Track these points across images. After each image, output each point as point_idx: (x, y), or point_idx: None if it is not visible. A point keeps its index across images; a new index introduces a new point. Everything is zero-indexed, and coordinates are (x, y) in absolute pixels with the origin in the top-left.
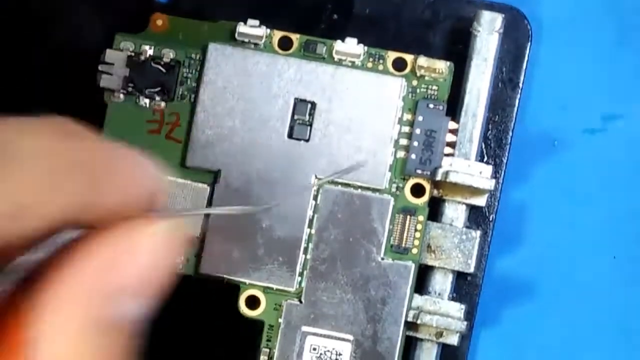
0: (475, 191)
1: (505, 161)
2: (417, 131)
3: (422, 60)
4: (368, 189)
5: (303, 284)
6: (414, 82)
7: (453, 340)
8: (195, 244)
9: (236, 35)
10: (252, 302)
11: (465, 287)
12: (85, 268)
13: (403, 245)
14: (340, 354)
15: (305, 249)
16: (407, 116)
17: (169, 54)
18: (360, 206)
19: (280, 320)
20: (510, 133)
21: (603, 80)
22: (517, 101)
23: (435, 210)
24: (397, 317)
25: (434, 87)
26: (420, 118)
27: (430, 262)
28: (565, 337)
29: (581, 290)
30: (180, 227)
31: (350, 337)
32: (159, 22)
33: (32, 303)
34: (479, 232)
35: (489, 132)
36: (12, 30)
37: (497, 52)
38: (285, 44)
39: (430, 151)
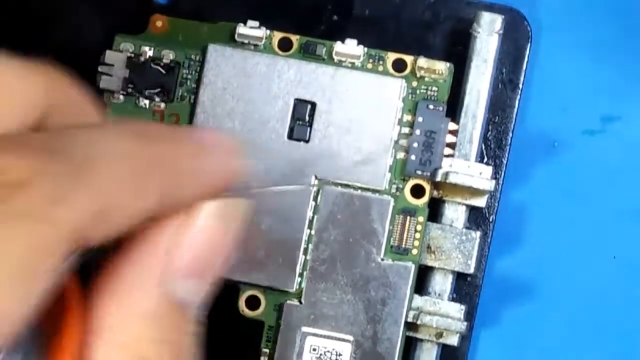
0: (475, 192)
1: (505, 162)
2: (417, 132)
3: (422, 62)
4: (368, 189)
5: (303, 285)
6: (414, 83)
7: (453, 340)
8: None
9: (236, 36)
10: (252, 303)
11: (465, 287)
12: (148, 254)
13: (403, 246)
14: (340, 355)
15: (305, 250)
16: (407, 117)
17: (168, 55)
18: (360, 207)
19: (280, 320)
20: (510, 134)
21: (603, 81)
22: (516, 102)
23: (435, 211)
24: (397, 318)
25: (434, 88)
26: (420, 119)
27: (430, 263)
28: (565, 337)
29: (581, 290)
30: (236, 207)
31: (350, 338)
32: (159, 24)
33: (99, 291)
34: (478, 233)
35: (489, 133)
36: (12, 30)
37: (497, 53)
38: (285, 45)
39: (430, 152)
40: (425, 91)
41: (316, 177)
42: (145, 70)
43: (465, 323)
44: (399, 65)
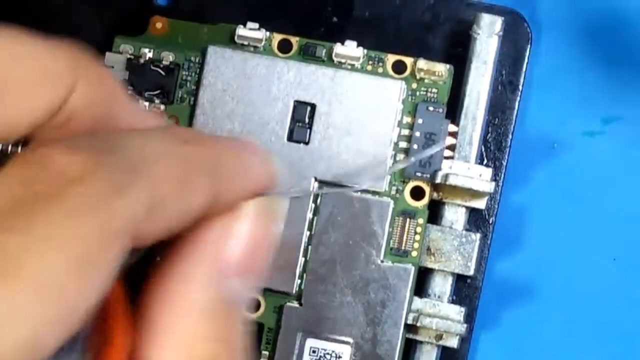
0: (475, 194)
1: (505, 164)
2: (417, 134)
3: (422, 63)
4: (368, 191)
5: (303, 287)
6: (414, 85)
7: (453, 342)
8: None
9: (236, 38)
10: (252, 305)
11: (465, 289)
12: (200, 253)
13: (403, 248)
14: (339, 357)
15: (305, 252)
16: (407, 119)
17: (168, 57)
18: (360, 209)
19: (280, 323)
20: (510, 136)
21: (602, 82)
22: (516, 104)
23: (435, 213)
24: (396, 320)
25: (434, 90)
26: (420, 121)
27: (429, 265)
28: (565, 339)
29: (581, 292)
30: (276, 205)
31: (350, 340)
32: (159, 25)
33: (150, 292)
34: (478, 235)
35: (489, 134)
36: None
37: (497, 54)
38: (284, 46)
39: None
40: (425, 93)
41: (316, 179)
42: (145, 71)
43: (465, 325)
44: (399, 67)
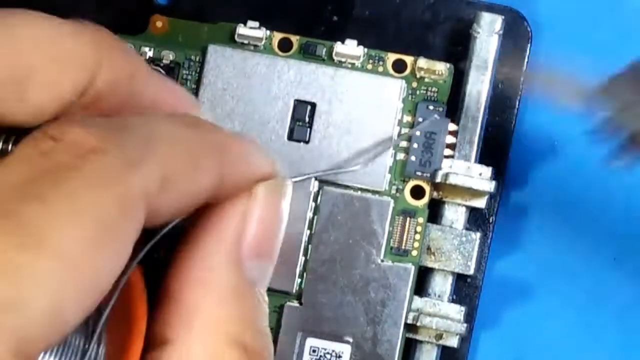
0: (475, 193)
1: (505, 163)
2: (417, 133)
3: (422, 62)
4: (368, 190)
5: (303, 286)
6: (414, 84)
7: (453, 342)
8: None
9: (236, 36)
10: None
11: (465, 289)
12: (220, 238)
13: (403, 247)
14: (339, 356)
15: (305, 251)
16: (407, 118)
17: (168, 56)
18: (360, 208)
19: (280, 322)
20: (510, 135)
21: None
22: (516, 102)
23: (435, 212)
24: (396, 319)
25: (434, 89)
26: (420, 120)
27: (430, 264)
28: (565, 338)
29: (581, 292)
30: (285, 186)
31: (350, 339)
32: (159, 24)
33: (174, 279)
34: (478, 234)
35: (489, 133)
36: None
37: (497, 53)
38: (285, 45)
39: (430, 153)
40: (425, 92)
41: (316, 178)
42: None
43: (465, 324)
44: (399, 66)
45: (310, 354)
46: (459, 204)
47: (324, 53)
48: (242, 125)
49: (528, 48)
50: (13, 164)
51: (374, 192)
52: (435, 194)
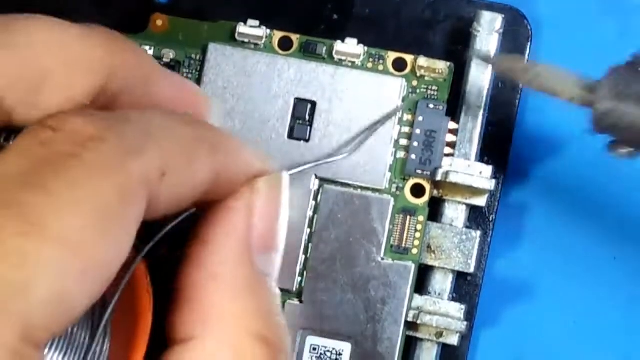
0: (475, 191)
1: (505, 161)
2: (417, 131)
3: (422, 61)
4: (368, 189)
5: (303, 284)
6: (414, 83)
7: (453, 340)
8: None
9: (236, 35)
10: None
11: (465, 287)
12: (229, 233)
13: (403, 245)
14: (340, 354)
15: (306, 249)
16: (407, 116)
17: (169, 54)
18: (360, 206)
19: None
20: (510, 133)
21: None
22: (517, 101)
23: (435, 211)
24: (397, 317)
25: (434, 88)
26: (420, 118)
27: (430, 263)
28: (565, 337)
29: (581, 290)
30: (283, 180)
31: (350, 338)
32: (159, 23)
33: (186, 275)
34: (479, 232)
35: (489, 132)
36: None
37: (497, 52)
38: (285, 44)
39: (430, 151)
40: (425, 90)
41: (316, 177)
42: None
43: (465, 322)
44: (399, 65)
45: (310, 352)
46: (459, 202)
47: (324, 52)
48: (243, 124)
49: (528, 47)
50: (13, 155)
51: (374, 190)
52: (435, 192)
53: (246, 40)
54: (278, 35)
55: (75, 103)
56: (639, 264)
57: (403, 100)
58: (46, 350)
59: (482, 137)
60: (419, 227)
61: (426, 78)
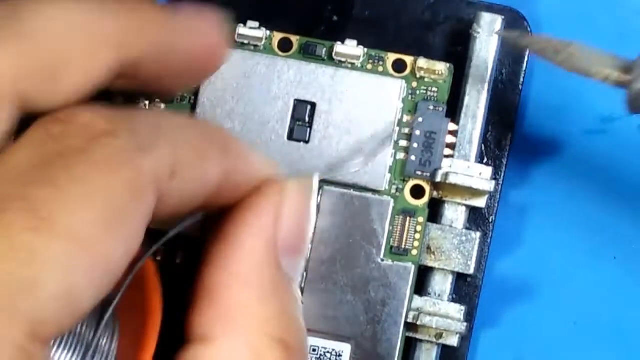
0: (475, 192)
1: (505, 162)
2: (417, 132)
3: (422, 62)
4: (368, 190)
5: (303, 285)
6: (414, 84)
7: (453, 341)
8: None
9: (236, 36)
10: None
11: (465, 288)
12: (253, 235)
13: (403, 246)
14: (340, 355)
15: None
16: (407, 118)
17: None
18: (359, 207)
19: None
20: (510, 134)
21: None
22: (516, 102)
23: (435, 212)
24: (397, 319)
25: (434, 89)
26: (420, 119)
27: (430, 264)
28: (565, 338)
29: (581, 291)
30: (311, 184)
31: (350, 339)
32: None
33: (208, 279)
34: (478, 234)
35: (489, 133)
36: None
37: (497, 53)
38: (285, 45)
39: (430, 153)
40: (425, 92)
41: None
42: None
43: (465, 324)
44: (399, 66)
45: (310, 353)
46: (459, 204)
47: (324, 53)
48: (242, 125)
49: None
50: (23, 148)
51: (374, 191)
52: (435, 193)
53: (246, 41)
54: (278, 36)
55: (96, 83)
56: (639, 264)
57: (403, 102)
58: (54, 348)
59: (482, 139)
60: (419, 228)
61: (426, 79)
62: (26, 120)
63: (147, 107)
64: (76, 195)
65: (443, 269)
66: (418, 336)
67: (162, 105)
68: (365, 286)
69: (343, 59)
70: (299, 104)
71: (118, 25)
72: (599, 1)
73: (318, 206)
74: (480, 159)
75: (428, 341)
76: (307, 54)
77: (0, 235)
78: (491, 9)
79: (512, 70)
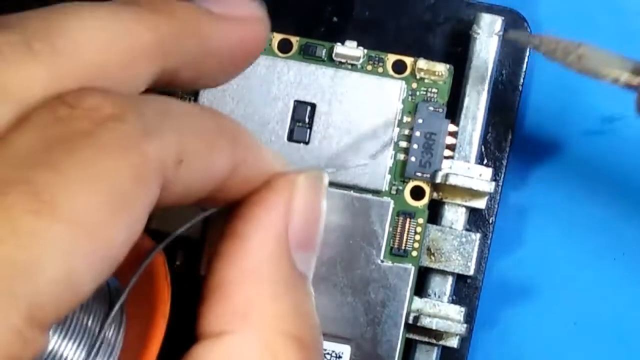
0: (475, 194)
1: (504, 163)
2: (417, 134)
3: (422, 63)
4: (368, 191)
5: None
6: (414, 85)
7: (453, 342)
8: None
9: None
10: None
11: (465, 289)
12: (267, 230)
13: (403, 247)
14: (340, 357)
15: None
16: (407, 119)
17: None
18: (360, 209)
19: None
20: (510, 135)
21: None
22: (516, 104)
23: (435, 213)
24: (397, 320)
25: (434, 90)
26: (420, 120)
27: (429, 265)
28: (565, 339)
29: (581, 292)
30: (323, 178)
31: (350, 340)
32: None
33: (222, 268)
34: (478, 235)
35: (489, 134)
36: None
37: (497, 54)
38: (285, 46)
39: (430, 154)
40: (425, 93)
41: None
42: None
43: (465, 325)
44: (399, 67)
45: None
46: (459, 205)
47: (323, 54)
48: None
49: (528, 49)
50: (28, 130)
51: (374, 192)
52: (435, 194)
53: None
54: (278, 37)
55: (134, 93)
56: (639, 264)
57: (403, 103)
58: (59, 340)
59: (482, 140)
60: (419, 229)
61: (426, 80)
62: None
63: None
64: (80, 179)
65: (443, 270)
66: (418, 337)
67: None
68: (365, 287)
69: (343, 60)
70: (299, 105)
71: (157, 34)
72: (599, 1)
73: None
74: (480, 160)
75: (428, 342)
76: (307, 55)
77: (1, 218)
78: (491, 9)
79: (512, 70)
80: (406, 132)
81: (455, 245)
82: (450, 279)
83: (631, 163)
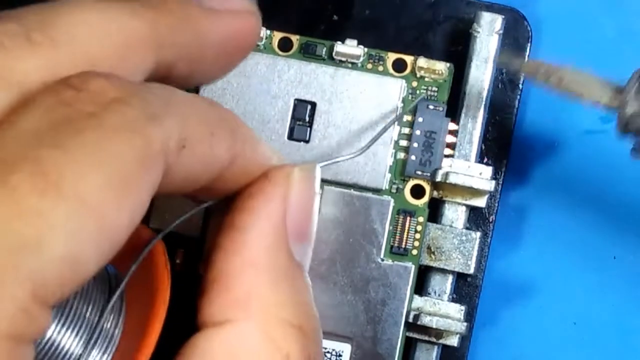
0: (475, 192)
1: (505, 162)
2: (417, 132)
3: (422, 62)
4: (368, 189)
5: None
6: (414, 83)
7: (453, 341)
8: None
9: None
10: None
11: (465, 288)
12: (264, 221)
13: (403, 246)
14: (340, 355)
15: None
16: (407, 117)
17: None
18: (360, 207)
19: None
20: (510, 134)
21: None
22: (516, 102)
23: (435, 212)
24: (397, 318)
25: (434, 88)
26: (420, 119)
27: (430, 263)
28: (565, 338)
29: (581, 291)
30: (316, 170)
31: (350, 338)
32: None
33: (220, 259)
34: (478, 233)
35: (489, 133)
36: None
37: (497, 53)
38: (285, 45)
39: (430, 152)
40: (425, 91)
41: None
42: None
43: (465, 324)
44: (399, 66)
45: None
46: (459, 203)
47: (324, 53)
48: None
49: (528, 47)
50: (33, 112)
51: (374, 191)
52: (435, 193)
53: None
54: (278, 36)
55: (134, 78)
56: (639, 264)
57: (403, 101)
58: (53, 325)
59: (482, 138)
60: (419, 228)
61: (426, 79)
62: None
63: None
64: (85, 160)
65: (443, 269)
66: (418, 336)
67: None
68: (365, 286)
69: (343, 59)
70: (299, 103)
71: (152, 27)
72: (599, 1)
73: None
74: (480, 159)
75: (428, 341)
76: (307, 53)
77: (8, 197)
78: (491, 8)
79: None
80: (406, 130)
81: (455, 244)
82: (450, 278)
83: (631, 162)
